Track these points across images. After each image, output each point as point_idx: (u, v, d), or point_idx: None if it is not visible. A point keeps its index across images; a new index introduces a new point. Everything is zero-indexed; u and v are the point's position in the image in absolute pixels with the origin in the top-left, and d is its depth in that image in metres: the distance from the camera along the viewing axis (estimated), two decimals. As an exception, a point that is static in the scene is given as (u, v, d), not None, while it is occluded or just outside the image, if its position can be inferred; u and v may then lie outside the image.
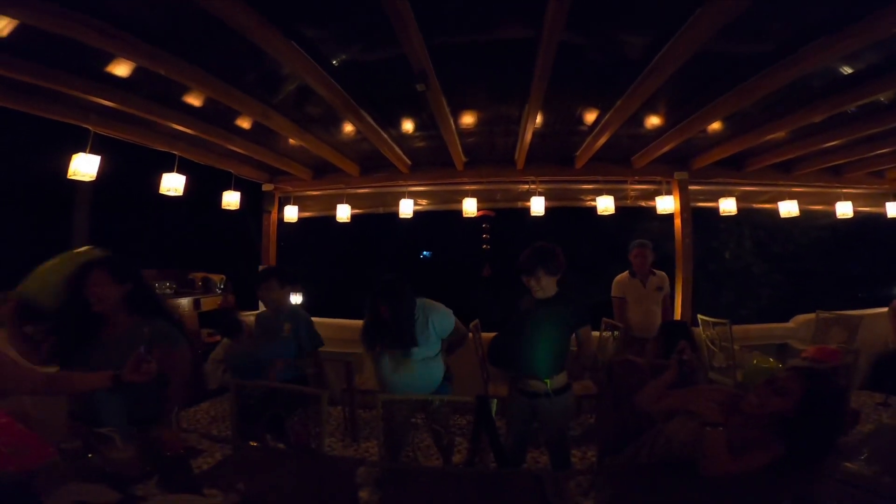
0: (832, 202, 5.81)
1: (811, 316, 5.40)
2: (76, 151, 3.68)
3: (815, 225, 9.82)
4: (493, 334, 4.37)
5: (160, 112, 3.57)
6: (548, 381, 2.60)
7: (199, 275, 5.65)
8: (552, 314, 2.61)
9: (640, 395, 2.15)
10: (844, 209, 5.73)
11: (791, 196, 5.62)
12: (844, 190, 5.83)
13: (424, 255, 15.06)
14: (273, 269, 3.83)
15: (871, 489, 1.62)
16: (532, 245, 2.66)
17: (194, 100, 3.56)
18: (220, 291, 5.63)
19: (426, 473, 2.34)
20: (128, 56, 2.71)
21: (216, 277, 5.69)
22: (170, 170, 4.43)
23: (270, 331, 3.22)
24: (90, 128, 3.69)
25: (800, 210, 5.63)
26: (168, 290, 5.08)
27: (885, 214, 5.98)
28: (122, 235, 8.41)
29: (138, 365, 1.77)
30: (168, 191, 4.42)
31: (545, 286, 2.62)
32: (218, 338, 5.40)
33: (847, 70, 2.98)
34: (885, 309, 4.78)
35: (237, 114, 3.80)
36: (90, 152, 3.71)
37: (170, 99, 3.50)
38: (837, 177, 5.67)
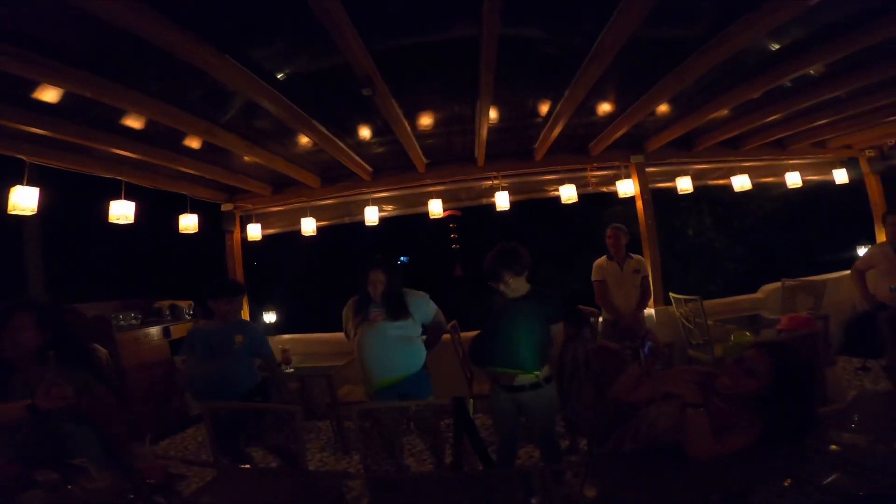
0: (781, 174, 6.06)
1: (777, 285, 5.58)
2: (13, 184, 3.50)
3: (770, 196, 10.20)
4: (472, 333, 4.41)
5: (97, 137, 3.43)
6: (536, 373, 2.62)
7: (166, 302, 5.48)
8: (528, 310, 2.64)
9: (615, 390, 2.15)
10: (794, 179, 5.98)
11: (742, 171, 5.84)
12: (791, 161, 6.09)
13: (402, 261, 15.01)
14: (231, 281, 3.82)
15: (866, 458, 1.62)
16: (494, 248, 2.69)
17: (134, 122, 3.44)
18: (189, 318, 5.47)
19: (412, 480, 2.33)
20: (54, 82, 2.61)
21: (184, 304, 5.53)
22: (117, 197, 4.26)
23: (219, 346, 3.13)
24: (24, 158, 3.51)
25: (752, 183, 5.86)
26: (133, 321, 4.92)
27: (833, 181, 6.27)
28: (79, 268, 8.09)
29: (49, 390, 1.72)
30: (118, 219, 4.24)
31: (515, 287, 2.65)
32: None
33: (775, 46, 3.10)
34: (847, 272, 4.95)
35: (183, 134, 3.69)
36: (27, 184, 3.52)
37: (107, 123, 3.37)
38: (783, 149, 5.90)
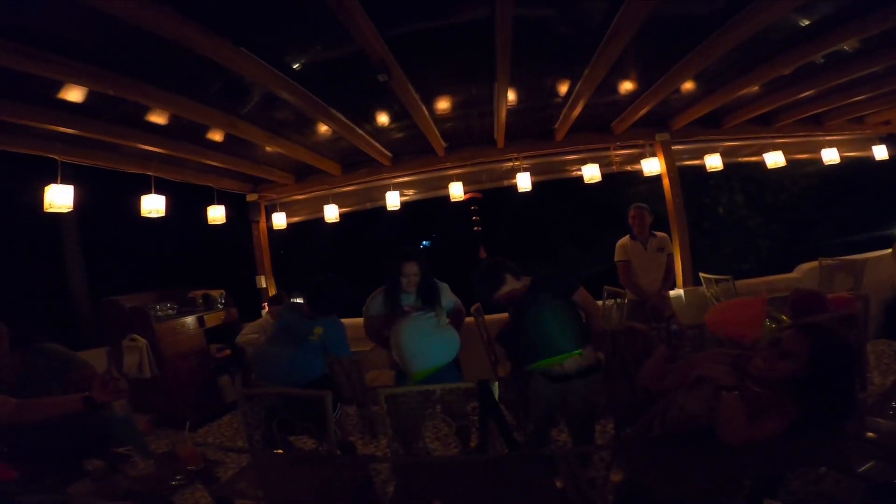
0: (817, 150, 5.79)
1: (814, 264, 5.31)
2: (48, 183, 3.63)
3: (805, 173, 9.75)
4: (496, 316, 4.38)
5: (124, 133, 3.52)
6: (579, 351, 2.47)
7: (199, 292, 5.63)
8: (542, 296, 2.56)
9: (643, 377, 2.08)
10: (831, 156, 5.70)
11: (775, 147, 5.61)
12: (828, 137, 5.81)
13: (424, 245, 15.06)
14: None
15: None
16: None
17: (158, 118, 3.52)
18: (221, 307, 5.63)
19: (439, 464, 2.35)
20: (76, 81, 2.68)
21: (216, 293, 5.68)
22: (148, 191, 4.39)
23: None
24: (57, 157, 3.63)
25: (786, 160, 5.60)
26: (170, 311, 5.08)
27: (872, 158, 5.97)
28: (116, 262, 8.40)
29: (105, 384, 1.78)
30: (150, 213, 4.38)
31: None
32: (227, 352, 5.44)
33: (805, 22, 2.96)
34: (888, 251, 4.68)
35: (206, 127, 3.77)
36: (61, 182, 3.65)
37: (132, 119, 3.46)
38: (819, 125, 5.64)
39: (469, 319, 4.16)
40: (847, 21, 2.86)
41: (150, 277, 7.36)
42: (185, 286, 5.75)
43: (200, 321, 5.25)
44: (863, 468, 1.49)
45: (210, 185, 5.27)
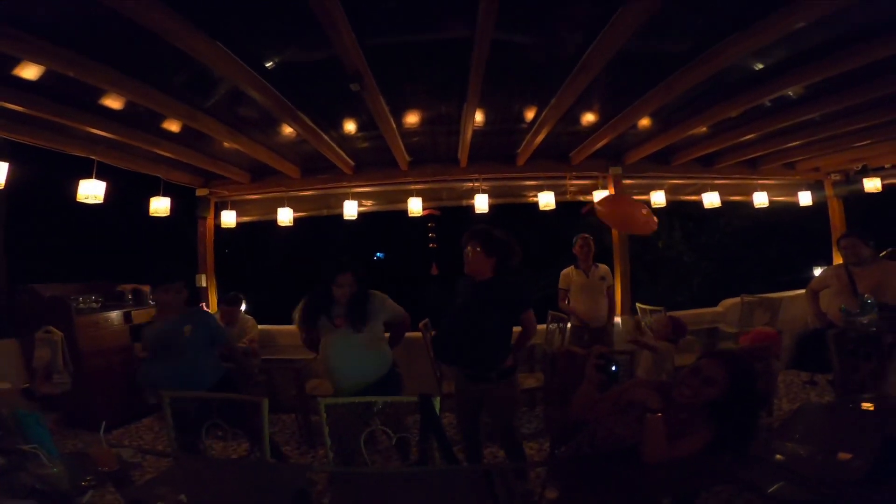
0: (750, 193, 6.30)
1: (737, 300, 5.79)
2: None
3: (738, 214, 10.59)
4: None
5: (74, 115, 3.33)
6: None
7: (129, 286, 5.29)
8: (490, 298, 2.58)
9: (574, 408, 2.16)
10: (761, 199, 6.23)
11: (713, 188, 6.06)
12: (760, 181, 6.33)
13: (378, 257, 14.89)
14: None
15: (808, 468, 1.69)
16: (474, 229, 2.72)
17: (113, 102, 3.35)
18: (152, 303, 5.29)
19: (377, 476, 2.32)
20: (37, 60, 2.54)
21: (147, 288, 5.34)
22: (88, 176, 4.11)
23: (171, 342, 3.00)
24: None
25: (721, 201, 6.08)
26: (94, 304, 4.73)
27: (797, 203, 6.55)
28: (41, 247, 7.74)
29: (47, 376, 1.68)
30: (86, 198, 4.10)
31: (476, 262, 2.65)
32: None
33: (759, 66, 3.21)
34: (803, 291, 5.15)
35: (163, 117, 3.61)
36: None
37: (85, 102, 3.28)
38: (754, 169, 6.13)
39: (416, 335, 4.17)
40: (796, 66, 3.10)
41: (79, 267, 6.81)
42: (115, 279, 5.39)
43: (127, 317, 4.95)
44: (772, 489, 1.60)
45: (159, 175, 4.99)
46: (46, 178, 4.95)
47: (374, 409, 2.74)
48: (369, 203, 6.02)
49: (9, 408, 1.77)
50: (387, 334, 3.09)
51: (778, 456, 1.82)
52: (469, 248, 2.66)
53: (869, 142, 5.02)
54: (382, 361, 2.89)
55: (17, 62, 2.68)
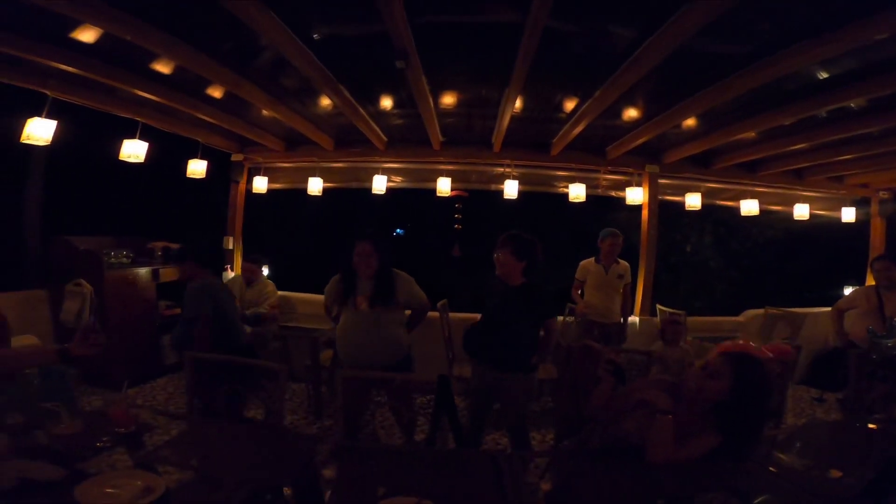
0: (791, 204, 6.07)
1: (760, 311, 5.68)
2: (31, 116, 3.48)
3: (772, 225, 10.26)
4: (461, 315, 4.44)
5: (125, 78, 3.41)
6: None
7: (160, 244, 5.40)
8: (521, 306, 2.67)
9: (591, 405, 2.16)
10: (801, 211, 6.00)
11: (753, 195, 5.85)
12: (804, 192, 6.09)
13: (398, 233, 14.94)
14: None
15: (800, 481, 1.71)
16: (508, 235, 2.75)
17: (163, 67, 3.40)
18: (166, 262, 5.39)
19: (385, 451, 2.36)
20: (97, 23, 2.57)
21: (177, 247, 5.45)
22: (132, 136, 4.23)
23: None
24: (48, 93, 3.50)
25: (760, 209, 5.87)
26: (124, 259, 4.80)
27: (839, 219, 6.28)
28: (80, 201, 7.96)
29: (86, 337, 1.69)
30: (129, 157, 4.23)
31: (507, 266, 2.69)
32: (177, 310, 5.25)
33: (823, 75, 3.05)
34: (828, 308, 5.05)
35: (208, 82, 3.65)
36: (46, 117, 3.51)
37: (136, 65, 3.34)
38: (799, 179, 5.91)
39: (433, 314, 4.19)
40: (864, 78, 2.94)
41: (115, 223, 6.99)
42: (148, 236, 5.51)
43: (155, 274, 5.00)
44: (756, 500, 1.62)
45: (198, 139, 5.08)
46: (89, 135, 5.05)
47: (390, 385, 2.78)
48: (398, 179, 6.01)
49: (39, 366, 1.79)
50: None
51: (771, 468, 1.82)
52: (502, 252, 2.70)
53: (926, 161, 4.77)
54: (398, 347, 2.87)
55: (76, 25, 2.74)
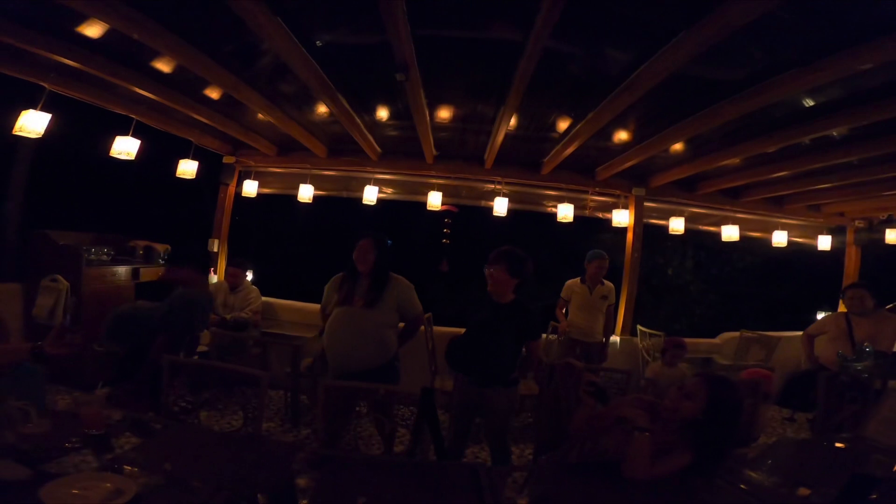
0: (770, 230, 6.25)
1: (736, 334, 5.81)
2: (25, 107, 3.45)
3: (751, 250, 10.55)
4: (446, 329, 4.45)
5: (125, 75, 3.39)
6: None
7: (142, 243, 5.30)
8: (508, 323, 2.70)
9: (573, 426, 2.19)
10: (780, 238, 6.18)
11: (734, 221, 6.02)
12: (783, 220, 6.29)
13: (384, 242, 14.85)
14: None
15: (769, 498, 1.74)
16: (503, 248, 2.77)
17: (163, 66, 3.40)
18: (162, 262, 5.31)
19: (364, 461, 2.33)
20: (104, 18, 2.55)
21: (160, 247, 5.36)
22: (124, 133, 4.19)
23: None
24: (46, 86, 3.47)
25: (740, 235, 6.03)
26: (104, 256, 4.68)
27: (815, 246, 6.48)
28: (62, 196, 7.80)
29: (61, 336, 1.65)
30: (119, 154, 4.19)
31: (499, 282, 2.71)
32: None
33: (809, 102, 3.16)
34: (801, 332, 5.18)
35: (206, 83, 3.65)
36: (42, 110, 3.49)
37: (137, 63, 3.33)
38: (779, 207, 6.09)
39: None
40: (848, 106, 3.05)
41: (98, 220, 6.86)
42: (129, 234, 5.41)
43: (135, 273, 4.89)
44: None
45: (191, 139, 5.04)
46: (79, 130, 4.98)
47: (372, 396, 2.76)
48: (389, 191, 6.03)
49: (10, 364, 1.73)
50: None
51: (742, 485, 1.86)
52: (495, 268, 2.70)
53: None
54: (386, 349, 2.87)
55: (83, 19, 2.73)
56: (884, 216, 6.11)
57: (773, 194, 5.59)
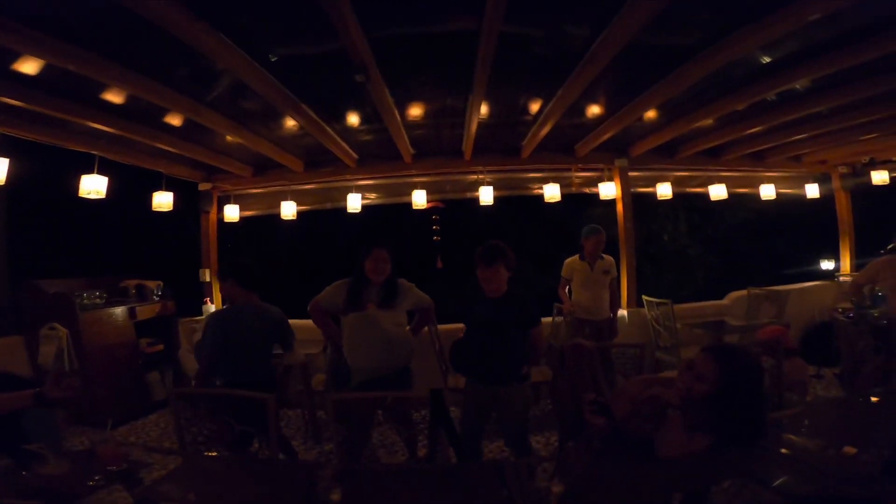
0: (756, 185, 6.27)
1: (743, 293, 5.76)
2: None
3: (743, 207, 10.52)
4: (449, 326, 4.42)
5: (75, 110, 3.31)
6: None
7: (133, 282, 5.31)
8: (506, 316, 2.67)
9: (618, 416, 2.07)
10: (768, 191, 6.18)
11: (720, 180, 6.00)
12: (767, 174, 6.30)
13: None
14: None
15: (816, 462, 1.68)
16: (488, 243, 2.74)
17: (114, 97, 3.32)
18: (157, 298, 5.31)
19: (387, 471, 2.32)
20: (36, 54, 2.51)
21: (151, 284, 5.35)
22: (90, 171, 4.11)
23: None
24: None
25: (728, 193, 6.02)
26: (97, 300, 4.75)
27: (804, 195, 6.50)
28: (45, 243, 7.74)
29: (58, 381, 1.68)
30: (88, 194, 4.11)
31: (499, 280, 2.68)
32: (159, 347, 5.13)
33: (766, 59, 3.17)
34: (810, 284, 5.07)
35: (164, 110, 3.58)
36: None
37: (86, 96, 3.25)
38: (760, 161, 6.07)
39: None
40: (805, 60, 3.07)
41: (83, 263, 6.81)
42: (120, 275, 5.39)
43: (132, 312, 4.97)
44: (777, 482, 1.60)
45: (160, 170, 4.97)
46: (48, 173, 4.93)
47: (383, 404, 2.74)
48: (373, 196, 5.99)
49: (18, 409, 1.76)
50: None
51: (784, 450, 1.82)
52: (492, 268, 2.65)
53: (876, 135, 4.97)
54: (407, 351, 2.91)
55: (16, 56, 2.65)
56: (865, 160, 6.09)
57: (752, 150, 5.57)
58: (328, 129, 4.22)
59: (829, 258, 7.00)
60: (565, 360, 2.91)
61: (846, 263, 6.58)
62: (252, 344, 2.96)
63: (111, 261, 7.31)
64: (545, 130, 4.35)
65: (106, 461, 1.73)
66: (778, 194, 6.29)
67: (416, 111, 4.11)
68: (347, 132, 4.52)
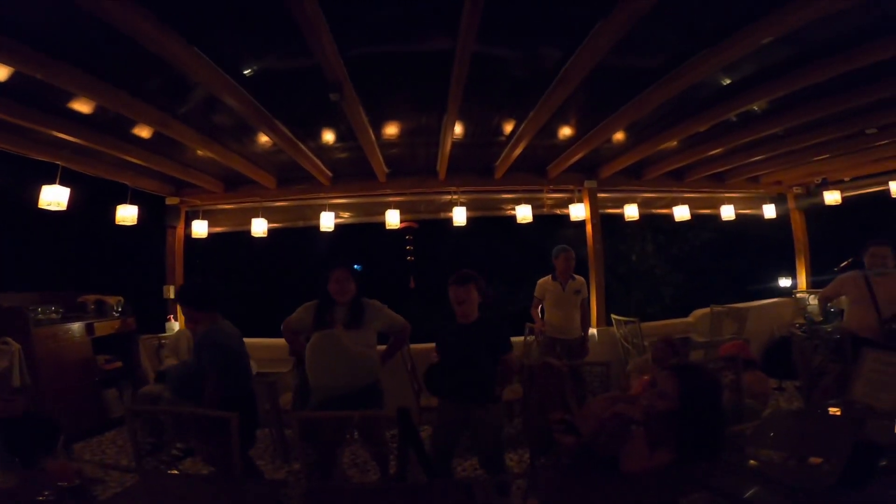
0: (718, 206, 6.53)
1: (707, 310, 5.96)
2: None
3: (706, 227, 10.95)
4: (421, 346, 4.40)
5: (39, 119, 3.22)
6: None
7: (92, 297, 5.08)
8: (479, 343, 2.70)
9: (585, 433, 2.12)
10: (728, 212, 6.45)
11: (683, 202, 6.25)
12: (727, 195, 6.58)
13: (356, 269, 14.73)
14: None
15: (781, 472, 1.74)
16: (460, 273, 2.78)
17: (81, 106, 3.25)
18: (116, 315, 5.10)
19: (352, 491, 2.28)
20: (3, 60, 2.44)
21: (112, 300, 5.14)
22: (52, 181, 3.96)
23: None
24: None
25: (691, 214, 6.28)
26: (53, 315, 4.57)
27: (762, 216, 6.82)
28: (0, 256, 7.36)
29: (7, 398, 1.63)
30: (49, 205, 3.95)
31: (471, 302, 2.72)
32: (118, 364, 4.92)
33: (726, 81, 3.34)
34: (769, 301, 5.29)
35: (132, 122, 3.51)
36: None
37: (51, 105, 3.17)
38: (721, 183, 6.37)
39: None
40: (762, 81, 3.25)
41: (42, 277, 6.49)
42: (80, 289, 5.17)
43: (89, 328, 4.79)
44: (748, 494, 1.65)
45: (125, 182, 4.83)
46: (5, 182, 4.74)
47: (351, 423, 2.70)
48: (346, 215, 5.97)
49: None
50: (381, 347, 3.06)
51: (752, 462, 1.87)
52: (463, 290, 2.70)
53: (828, 156, 5.28)
54: (369, 370, 2.86)
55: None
56: (818, 180, 6.46)
57: (713, 171, 5.84)
58: (302, 145, 4.22)
59: (786, 276, 7.32)
60: (535, 379, 2.95)
61: (802, 280, 6.89)
62: (243, 357, 2.98)
63: (71, 275, 6.99)
64: (517, 151, 4.45)
65: (56, 477, 1.69)
66: (738, 215, 6.57)
67: (390, 130, 4.15)
68: (322, 150, 4.52)
